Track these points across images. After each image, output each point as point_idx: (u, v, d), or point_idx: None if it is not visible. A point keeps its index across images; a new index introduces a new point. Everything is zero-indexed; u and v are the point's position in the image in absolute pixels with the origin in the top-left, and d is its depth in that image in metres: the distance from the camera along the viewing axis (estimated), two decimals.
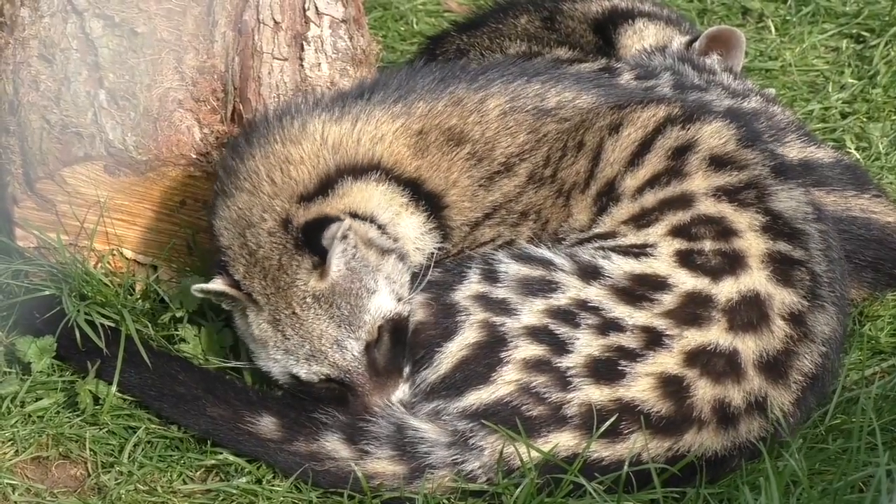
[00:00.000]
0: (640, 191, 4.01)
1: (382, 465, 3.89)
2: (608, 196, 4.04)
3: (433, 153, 4.03)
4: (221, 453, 4.03)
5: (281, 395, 4.07)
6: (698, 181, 4.00)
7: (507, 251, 4.01)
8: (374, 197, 3.99)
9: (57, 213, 4.32)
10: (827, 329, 3.96)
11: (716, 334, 3.86)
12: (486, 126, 4.07)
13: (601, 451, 3.82)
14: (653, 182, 4.01)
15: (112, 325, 4.21)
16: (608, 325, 3.86)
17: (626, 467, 3.79)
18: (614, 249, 3.96)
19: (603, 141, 4.06)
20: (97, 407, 4.16)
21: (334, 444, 3.93)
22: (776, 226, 3.96)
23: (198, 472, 4.05)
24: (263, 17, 4.40)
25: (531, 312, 3.89)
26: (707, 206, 3.97)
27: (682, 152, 4.03)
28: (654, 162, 4.03)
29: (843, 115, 5.57)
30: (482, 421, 3.84)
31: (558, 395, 3.82)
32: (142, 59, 4.30)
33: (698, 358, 3.84)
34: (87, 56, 4.30)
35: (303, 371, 3.97)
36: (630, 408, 3.81)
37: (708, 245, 3.93)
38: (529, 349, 3.85)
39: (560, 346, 3.85)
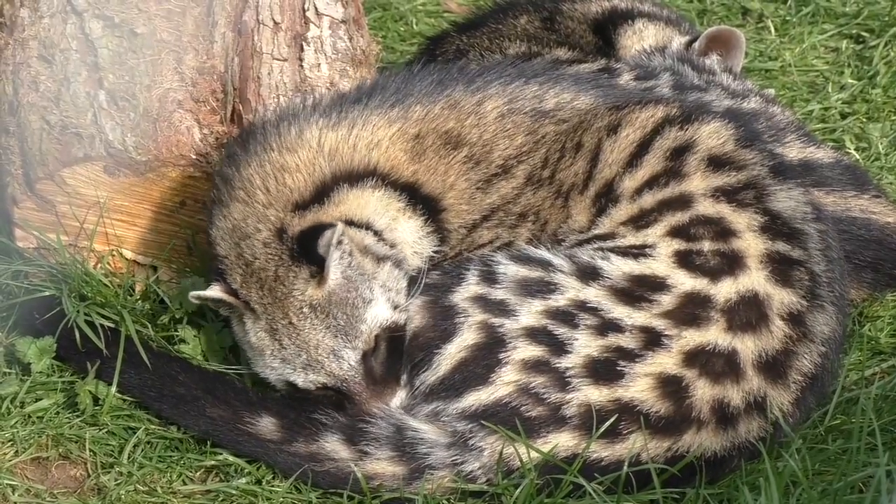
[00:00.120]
0: (638, 192, 4.01)
1: (382, 465, 3.89)
2: (607, 197, 4.04)
3: (430, 157, 4.03)
4: (221, 454, 4.03)
5: (280, 396, 4.07)
6: (697, 182, 4.00)
7: (506, 252, 4.01)
8: (370, 203, 3.98)
9: (57, 214, 4.32)
10: (826, 329, 3.96)
11: (714, 334, 3.86)
12: (484, 128, 4.07)
13: (600, 451, 3.82)
14: (651, 183, 4.01)
15: (112, 325, 4.21)
16: (607, 326, 3.86)
17: (625, 467, 3.79)
18: (613, 250, 3.96)
19: (601, 142, 4.06)
20: (97, 407, 4.16)
21: (334, 445, 3.93)
22: (775, 226, 3.96)
23: (197, 473, 4.05)
24: (263, 17, 4.40)
25: (530, 313, 3.89)
26: (706, 207, 3.97)
27: (680, 153, 4.03)
28: (652, 163, 4.03)
29: (843, 116, 5.57)
30: (481, 422, 3.84)
31: (557, 396, 3.83)
32: (141, 60, 4.30)
33: (697, 358, 3.85)
34: (86, 57, 4.31)
35: (299, 379, 3.97)
36: (629, 408, 3.82)
37: (707, 245, 3.93)
38: (528, 350, 3.85)
39: (559, 347, 3.85)
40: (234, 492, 3.96)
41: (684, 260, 3.92)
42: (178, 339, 4.28)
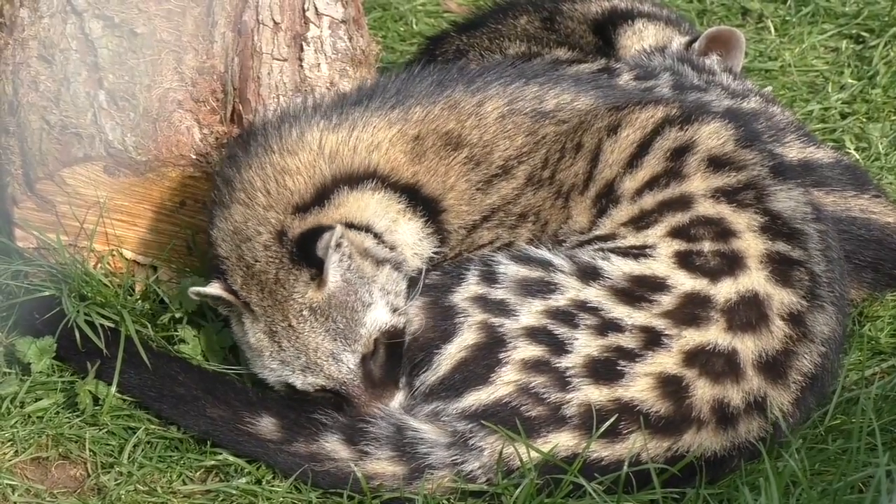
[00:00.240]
0: (639, 193, 4.01)
1: (382, 465, 3.89)
2: (607, 198, 4.04)
3: (430, 158, 4.03)
4: (221, 454, 4.03)
5: (280, 395, 4.06)
6: (697, 182, 4.00)
7: (506, 252, 4.01)
8: (370, 205, 3.98)
9: (57, 214, 4.32)
10: (826, 329, 3.96)
11: (714, 334, 3.86)
12: (484, 129, 4.07)
13: (600, 451, 3.82)
14: (652, 184, 4.01)
15: (112, 325, 4.21)
16: (607, 326, 3.86)
17: (625, 467, 3.79)
18: (614, 251, 3.96)
19: (601, 142, 4.06)
20: (97, 407, 4.16)
21: (334, 445, 3.93)
22: (775, 226, 3.96)
23: (197, 473, 4.05)
24: (263, 17, 4.40)
25: (530, 313, 3.89)
26: (706, 208, 3.97)
27: (680, 153, 4.03)
28: (652, 164, 4.03)
29: (843, 116, 5.57)
30: (482, 421, 3.84)
31: (557, 396, 3.83)
32: (141, 60, 4.30)
33: (697, 358, 3.85)
34: (86, 56, 4.31)
35: (298, 382, 3.97)
36: (629, 408, 3.82)
37: (707, 246, 3.94)
38: (528, 350, 3.85)
39: (559, 347, 3.85)
40: (234, 492, 3.96)
41: (684, 260, 3.92)
42: (178, 339, 4.28)
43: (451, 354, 3.89)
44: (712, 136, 4.06)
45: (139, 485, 3.99)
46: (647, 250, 3.95)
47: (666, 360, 3.85)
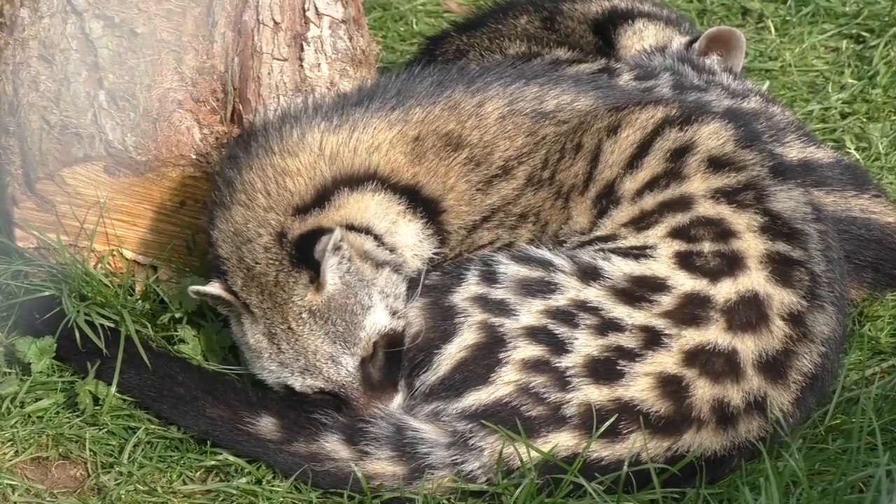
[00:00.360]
0: (639, 193, 4.01)
1: (382, 465, 3.89)
2: (608, 199, 4.03)
3: (430, 159, 4.03)
4: (221, 454, 4.03)
5: (280, 396, 4.06)
6: (697, 183, 4.00)
7: (507, 252, 4.01)
8: (370, 207, 3.98)
9: (57, 214, 4.32)
10: (826, 329, 3.96)
11: (714, 334, 3.86)
12: (485, 130, 4.07)
13: (600, 450, 3.82)
14: (652, 185, 4.01)
15: (112, 325, 4.21)
16: (607, 326, 3.86)
17: (625, 467, 3.79)
18: (614, 251, 3.96)
19: (601, 143, 4.06)
20: (97, 407, 4.16)
21: (334, 445, 3.93)
22: (775, 226, 3.96)
23: (198, 473, 4.05)
24: (263, 17, 4.40)
25: (530, 313, 3.89)
26: (706, 208, 3.97)
27: (680, 154, 4.03)
28: (652, 164, 4.03)
29: (843, 116, 5.57)
30: (482, 421, 3.84)
31: (557, 396, 3.83)
32: (141, 60, 4.30)
33: (697, 358, 3.85)
34: (86, 56, 4.31)
35: (297, 383, 3.97)
36: (629, 407, 3.82)
37: (707, 246, 3.94)
38: (528, 349, 3.85)
39: (559, 347, 3.85)
40: (234, 492, 3.96)
41: (685, 261, 3.92)
42: (178, 339, 4.28)
43: (451, 354, 3.89)
44: (712, 136, 4.06)
45: (139, 485, 3.99)
46: (647, 251, 3.95)
47: (666, 360, 3.85)
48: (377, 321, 3.94)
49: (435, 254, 4.06)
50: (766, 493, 3.65)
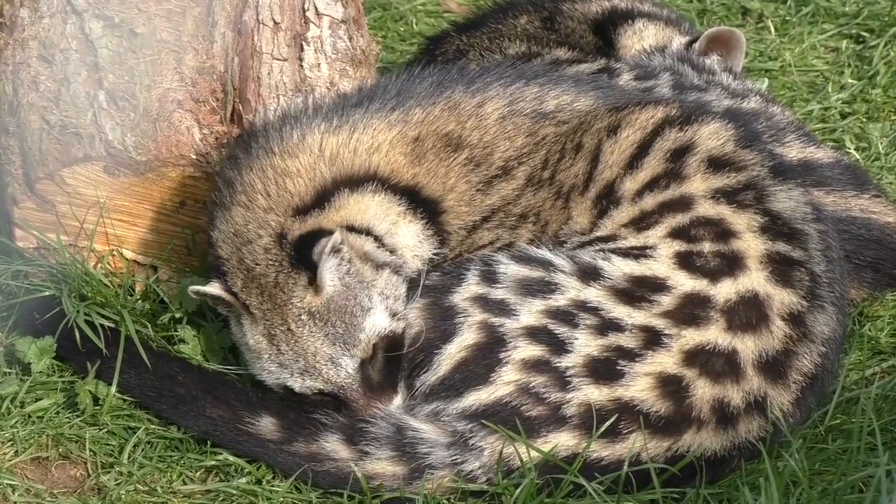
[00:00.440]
0: (639, 194, 4.01)
1: (382, 465, 3.89)
2: (608, 199, 4.03)
3: (430, 159, 4.03)
4: (221, 454, 4.03)
5: (280, 396, 4.06)
6: (697, 183, 4.00)
7: (507, 252, 4.01)
8: (370, 208, 3.98)
9: (57, 214, 4.32)
10: (826, 329, 3.96)
11: (714, 334, 3.86)
12: (485, 131, 4.06)
13: (601, 450, 3.82)
14: (652, 185, 4.01)
15: (112, 325, 4.21)
16: (607, 326, 3.86)
17: (625, 467, 3.79)
18: (614, 251, 3.96)
19: (601, 143, 4.06)
20: (97, 407, 4.16)
21: (334, 445, 3.93)
22: (775, 226, 3.97)
23: (198, 473, 4.05)
24: (263, 17, 4.40)
25: (530, 313, 3.89)
26: (706, 209, 3.97)
27: (680, 154, 4.03)
28: (653, 165, 4.03)
29: (843, 116, 5.57)
30: (482, 421, 3.84)
31: (557, 395, 3.83)
32: (141, 60, 4.30)
33: (697, 358, 3.85)
34: (86, 56, 4.31)
35: (296, 385, 3.97)
36: (629, 407, 3.82)
37: (707, 247, 3.94)
38: (528, 349, 3.85)
39: (559, 347, 3.85)
40: (234, 492, 3.96)
41: (685, 261, 3.92)
42: (178, 339, 4.28)
43: (451, 354, 3.89)
44: (712, 136, 4.06)
45: (139, 485, 4.00)
46: (647, 251, 3.95)
47: (666, 360, 3.85)
48: (377, 323, 3.94)
49: (435, 254, 4.06)
50: (766, 493, 3.65)
